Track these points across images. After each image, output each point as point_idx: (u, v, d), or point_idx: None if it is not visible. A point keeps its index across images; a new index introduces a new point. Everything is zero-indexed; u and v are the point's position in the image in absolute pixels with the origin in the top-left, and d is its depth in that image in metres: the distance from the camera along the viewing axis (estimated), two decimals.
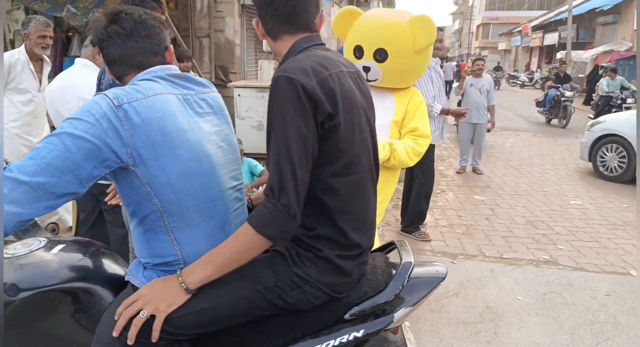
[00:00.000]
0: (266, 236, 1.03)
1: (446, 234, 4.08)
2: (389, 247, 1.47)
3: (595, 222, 4.45)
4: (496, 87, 23.05)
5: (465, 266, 3.39)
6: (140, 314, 1.03)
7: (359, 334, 1.19)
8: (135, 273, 1.19)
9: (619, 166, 6.00)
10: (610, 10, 18.66)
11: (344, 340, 1.18)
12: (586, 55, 18.82)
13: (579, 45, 21.51)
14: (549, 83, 11.95)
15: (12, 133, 3.18)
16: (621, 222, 4.44)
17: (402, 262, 1.28)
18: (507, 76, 29.81)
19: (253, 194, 3.83)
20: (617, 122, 6.20)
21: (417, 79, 2.52)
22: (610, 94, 10.75)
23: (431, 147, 3.76)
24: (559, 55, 22.20)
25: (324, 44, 1.27)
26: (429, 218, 4.48)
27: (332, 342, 1.18)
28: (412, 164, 2.36)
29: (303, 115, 1.04)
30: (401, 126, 2.41)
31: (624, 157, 5.95)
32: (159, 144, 1.09)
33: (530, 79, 26.13)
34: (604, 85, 11.26)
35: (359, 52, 2.29)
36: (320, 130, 1.08)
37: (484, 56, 11.69)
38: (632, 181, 5.91)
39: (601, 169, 6.23)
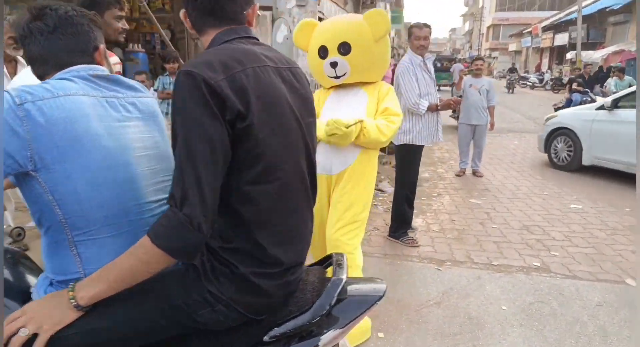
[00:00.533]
0: (165, 249, 0.92)
1: (436, 239, 3.94)
2: (327, 260, 1.35)
3: (594, 227, 4.27)
4: (510, 91, 22.66)
5: (451, 273, 3.25)
6: (20, 333, 0.93)
7: None
8: (39, 288, 1.10)
9: (568, 156, 6.56)
10: (621, 9, 18.29)
11: None
12: (596, 55, 18.46)
13: (589, 46, 21.13)
14: (574, 86, 10.36)
15: None
16: (621, 227, 4.26)
17: (332, 279, 1.16)
18: (517, 77, 29.45)
19: None
20: (566, 116, 6.76)
21: (383, 71, 2.46)
22: None
23: (417, 149, 3.64)
24: (569, 55, 21.83)
25: (255, 38, 1.17)
26: (420, 222, 4.35)
27: None
28: (384, 141, 2.29)
29: (208, 114, 0.93)
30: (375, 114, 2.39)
31: (571, 147, 6.51)
32: (64, 148, 0.99)
33: (541, 80, 25.74)
34: (611, 85, 10.98)
35: (323, 52, 2.34)
36: (232, 131, 0.97)
37: (494, 57, 11.41)
38: (581, 170, 6.40)
39: (555, 159, 6.80)
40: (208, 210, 0.93)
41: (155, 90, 4.77)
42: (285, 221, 1.09)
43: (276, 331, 1.08)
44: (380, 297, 1.22)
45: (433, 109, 3.57)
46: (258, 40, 1.18)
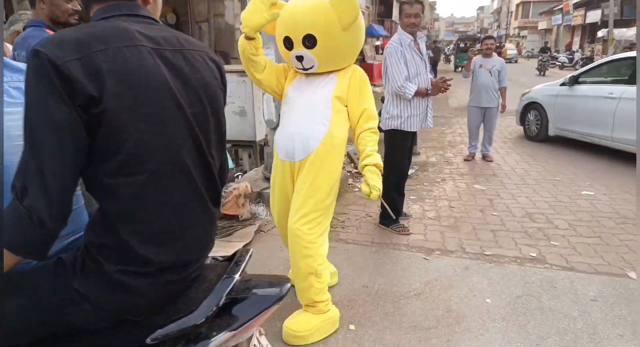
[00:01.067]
0: (4, 245, 0.84)
1: (430, 226, 3.78)
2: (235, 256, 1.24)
3: (603, 216, 4.02)
4: (541, 74, 21.58)
5: (438, 263, 3.11)
6: None
7: None
8: None
9: (536, 128, 7.28)
10: None
11: None
12: (629, 33, 17.44)
13: (623, 23, 19.98)
14: None
15: None
16: (633, 216, 3.99)
17: (223, 277, 1.06)
18: (548, 58, 28.23)
19: (223, 203, 3.61)
20: (536, 91, 7.41)
21: (354, 57, 2.31)
22: None
23: (405, 134, 3.46)
24: (600, 33, 20.73)
25: (145, 16, 1.03)
26: (417, 209, 4.20)
27: None
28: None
29: (54, 98, 0.83)
30: (347, 103, 2.26)
31: (539, 120, 7.19)
32: None
33: (570, 60, 24.58)
34: None
35: (288, 43, 2.19)
36: (86, 117, 0.86)
37: (522, 36, 10.85)
38: (548, 141, 7.08)
39: (527, 132, 7.52)
40: (53, 203, 0.83)
41: None
42: (158, 217, 0.98)
43: (158, 333, 0.99)
44: (279, 298, 1.11)
45: (423, 93, 3.37)
46: (151, 18, 1.05)
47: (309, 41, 2.12)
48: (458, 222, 3.89)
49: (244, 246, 3.25)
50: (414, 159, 6.19)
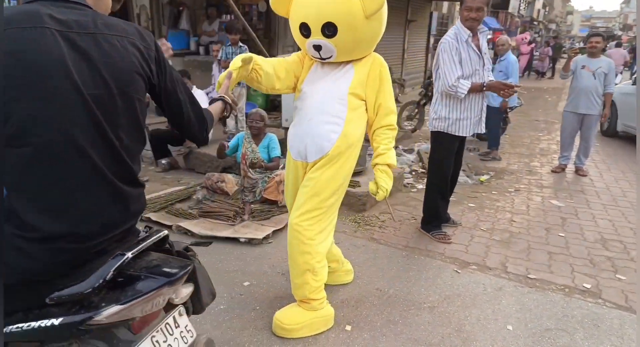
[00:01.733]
0: None
1: (477, 238, 3.49)
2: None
3: None
4: None
5: (469, 278, 2.87)
6: None
7: (56, 322, 1.06)
8: None
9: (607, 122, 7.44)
10: None
11: (42, 325, 1.07)
12: None
13: None
14: None
15: None
16: None
17: (116, 254, 1.11)
18: None
19: (265, 187, 3.71)
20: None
21: (374, 46, 2.16)
22: None
23: (452, 138, 3.20)
24: None
25: (70, 1, 1.11)
26: (471, 217, 3.90)
27: (32, 324, 1.08)
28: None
29: None
30: (365, 97, 2.16)
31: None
32: None
33: None
34: None
35: (305, 30, 2.06)
36: None
37: None
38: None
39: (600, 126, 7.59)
40: None
41: (219, 60, 4.98)
42: (46, 189, 1.05)
43: (55, 295, 1.07)
44: (169, 282, 1.13)
45: (477, 88, 3.08)
46: (79, 3, 1.12)
47: (329, 30, 1.98)
48: (513, 238, 3.53)
49: (273, 231, 3.32)
50: (491, 164, 5.76)
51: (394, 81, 9.64)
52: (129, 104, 1.15)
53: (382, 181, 2.13)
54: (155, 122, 5.02)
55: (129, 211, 1.21)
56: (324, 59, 2.14)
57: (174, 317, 1.30)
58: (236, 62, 1.89)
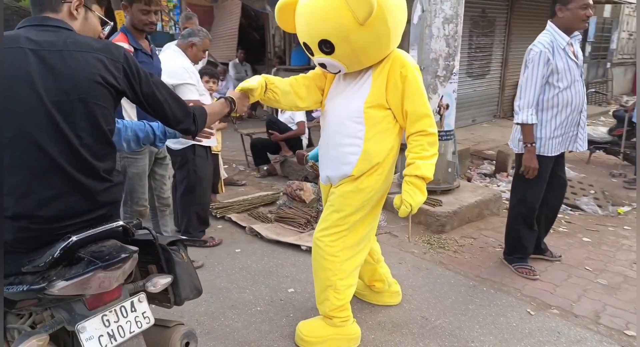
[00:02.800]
0: None
1: (574, 279, 2.91)
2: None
3: None
4: None
5: (542, 323, 2.40)
6: None
7: (24, 288, 1.25)
8: None
9: None
10: None
11: (17, 289, 1.27)
12: None
13: None
14: None
15: None
16: None
17: (65, 237, 1.25)
18: None
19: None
20: None
21: (387, 46, 1.93)
22: None
23: (543, 160, 2.73)
24: None
25: (48, 25, 1.33)
26: (578, 254, 3.29)
27: (11, 288, 1.29)
28: (437, 156, 2.03)
29: None
30: (390, 105, 2.00)
31: None
32: None
33: None
34: None
35: (307, 49, 2.02)
36: None
37: None
38: None
39: None
40: None
41: None
42: (11, 176, 1.25)
43: (27, 267, 1.27)
44: (103, 266, 1.23)
45: (527, 138, 2.65)
46: (57, 26, 1.33)
47: (326, 46, 1.88)
48: (625, 283, 2.86)
49: None
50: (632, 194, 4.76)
51: None
52: (87, 108, 1.31)
53: (406, 195, 1.94)
54: (258, 131, 5.42)
55: (93, 201, 1.37)
56: (336, 73, 2.06)
57: (132, 302, 1.39)
58: (248, 83, 1.96)
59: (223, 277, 2.90)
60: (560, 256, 3.18)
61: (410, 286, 2.77)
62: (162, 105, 1.47)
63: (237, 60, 8.81)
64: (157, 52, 2.74)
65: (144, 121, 1.87)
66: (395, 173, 2.32)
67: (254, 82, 1.98)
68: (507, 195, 4.49)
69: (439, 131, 3.64)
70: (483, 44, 8.01)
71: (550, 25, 2.68)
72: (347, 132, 2.02)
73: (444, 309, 2.55)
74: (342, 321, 2.18)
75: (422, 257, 3.18)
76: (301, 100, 2.13)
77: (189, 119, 1.55)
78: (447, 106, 3.71)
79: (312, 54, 2.00)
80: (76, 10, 1.38)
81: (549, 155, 2.74)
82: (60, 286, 1.21)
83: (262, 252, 3.25)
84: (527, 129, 2.65)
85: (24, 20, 1.35)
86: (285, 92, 2.07)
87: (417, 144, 1.96)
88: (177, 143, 3.09)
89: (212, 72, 3.65)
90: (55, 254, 1.23)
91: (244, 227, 3.59)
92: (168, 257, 1.53)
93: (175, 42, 3.28)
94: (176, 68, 2.98)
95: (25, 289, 1.25)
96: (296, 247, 3.28)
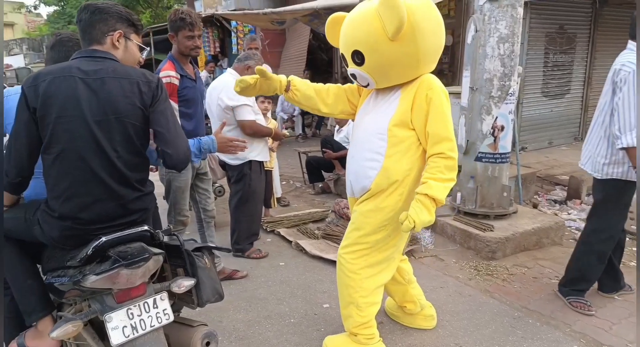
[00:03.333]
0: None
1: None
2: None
3: None
4: None
5: None
6: None
7: (66, 280, 1.48)
8: None
9: None
10: None
11: (60, 281, 1.50)
12: None
13: None
14: None
15: None
16: None
17: (101, 237, 1.46)
18: None
19: None
20: None
21: (417, 68, 1.95)
22: None
23: (628, 186, 2.53)
24: None
25: (95, 57, 1.57)
26: None
27: (55, 281, 1.52)
28: (455, 178, 1.98)
29: (21, 105, 1.50)
30: (414, 126, 2.02)
31: None
32: None
33: None
34: None
35: (344, 60, 2.11)
36: (34, 118, 1.48)
37: None
38: None
39: None
40: (11, 164, 1.50)
41: None
42: (59, 183, 1.49)
43: (70, 262, 1.48)
44: (125, 264, 1.40)
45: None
46: (102, 57, 1.57)
47: (358, 57, 1.95)
48: None
49: None
50: None
51: None
52: (122, 126, 1.53)
53: (412, 212, 1.87)
54: (314, 150, 5.57)
55: (125, 208, 1.57)
56: (366, 86, 2.11)
57: (154, 299, 1.55)
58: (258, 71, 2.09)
59: (264, 288, 3.02)
60: (631, 289, 2.89)
61: (449, 312, 2.68)
62: (165, 129, 1.64)
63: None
64: (200, 74, 2.92)
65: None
66: None
67: (250, 78, 2.11)
68: (577, 224, 4.23)
69: (492, 153, 3.60)
70: (561, 61, 7.55)
71: (632, 44, 2.51)
72: (370, 147, 2.07)
73: (481, 338, 2.44)
74: (367, 339, 2.18)
75: (466, 283, 3.06)
76: (325, 106, 2.23)
77: (179, 155, 1.68)
78: (502, 128, 3.58)
79: (347, 65, 2.08)
80: (117, 41, 1.62)
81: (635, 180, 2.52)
82: (91, 280, 1.40)
83: (305, 267, 3.34)
84: (632, 152, 2.40)
85: (76, 53, 1.61)
86: (306, 96, 2.19)
87: (434, 166, 1.93)
88: (235, 159, 3.32)
89: None
90: (89, 252, 1.43)
91: (290, 242, 3.71)
92: (192, 262, 1.66)
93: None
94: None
95: (66, 281, 1.46)
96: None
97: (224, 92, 3.18)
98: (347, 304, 2.16)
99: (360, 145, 2.13)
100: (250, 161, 3.35)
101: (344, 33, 2.02)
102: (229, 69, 3.52)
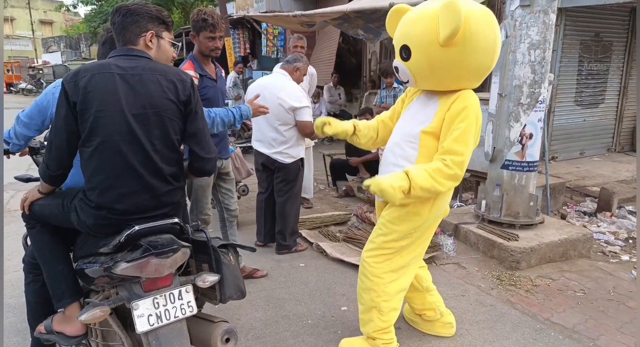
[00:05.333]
0: (40, 179, 1.69)
1: None
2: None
3: None
4: None
5: None
6: (23, 197, 1.81)
7: (97, 267, 1.54)
8: None
9: None
10: None
11: (92, 267, 1.58)
12: None
13: None
14: None
15: None
16: None
17: (129, 225, 1.52)
18: None
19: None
20: None
21: (460, 79, 1.95)
22: None
23: None
24: None
25: (131, 55, 1.64)
26: None
27: (86, 267, 1.59)
28: (444, 190, 1.96)
29: (61, 100, 1.56)
30: (440, 139, 2.01)
31: None
32: None
33: None
34: None
35: (393, 52, 2.15)
36: (74, 112, 1.54)
37: None
38: None
39: None
40: (52, 157, 1.58)
41: (374, 105, 5.00)
42: (96, 174, 1.54)
43: (103, 249, 1.54)
44: (155, 253, 1.46)
45: None
46: (138, 55, 1.63)
47: (405, 52, 1.98)
48: None
49: None
50: None
51: None
52: (160, 120, 1.59)
53: (384, 176, 1.88)
54: (338, 152, 5.58)
55: (158, 200, 1.62)
56: (405, 83, 2.12)
57: (180, 291, 1.59)
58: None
59: (283, 289, 3.05)
60: None
61: (468, 320, 2.65)
62: (199, 130, 1.74)
63: (331, 84, 9.17)
64: (222, 74, 2.93)
65: (227, 108, 2.36)
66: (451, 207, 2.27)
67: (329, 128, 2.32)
68: (606, 237, 4.10)
69: (520, 162, 3.54)
70: (596, 70, 7.34)
71: None
72: (401, 153, 2.08)
73: None
74: (385, 344, 2.18)
75: (488, 292, 3.01)
76: (382, 141, 2.35)
77: (211, 155, 1.80)
78: (531, 136, 3.51)
79: (395, 58, 2.11)
80: (150, 41, 1.69)
81: None
82: (122, 267, 1.46)
83: (325, 269, 3.35)
84: None
85: (113, 52, 1.68)
86: (366, 137, 2.36)
87: (434, 164, 1.91)
88: (289, 157, 3.41)
89: None
90: (122, 239, 1.49)
91: (312, 243, 3.73)
92: (217, 258, 1.70)
93: (280, 64, 3.60)
94: (298, 91, 3.34)
95: (97, 267, 1.52)
96: (357, 267, 3.31)
97: (285, 92, 3.28)
98: (368, 308, 2.17)
99: (391, 151, 2.15)
100: (301, 158, 3.50)
101: (400, 25, 2.04)
102: (277, 68, 3.57)
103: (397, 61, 2.07)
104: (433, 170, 1.89)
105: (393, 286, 2.14)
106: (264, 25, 10.55)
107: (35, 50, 34.43)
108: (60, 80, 1.69)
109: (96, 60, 2.09)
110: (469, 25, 1.81)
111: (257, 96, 2.70)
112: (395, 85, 4.97)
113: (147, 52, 1.68)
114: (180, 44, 1.89)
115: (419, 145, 2.03)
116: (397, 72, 2.11)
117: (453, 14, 1.76)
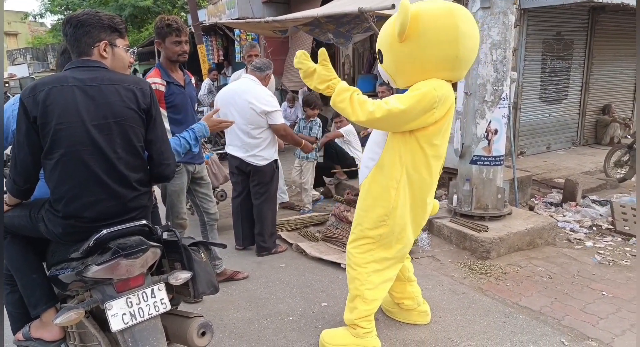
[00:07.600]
0: (8, 193, 1.72)
1: (624, 313, 2.70)
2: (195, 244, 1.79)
3: None
4: None
5: None
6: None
7: (70, 272, 1.60)
8: None
9: None
10: None
11: (64, 272, 1.62)
12: None
13: None
14: None
15: None
16: None
17: (101, 230, 1.57)
18: None
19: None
20: None
21: (422, 74, 2.03)
22: None
23: None
24: None
25: (87, 66, 1.67)
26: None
27: (59, 273, 1.64)
28: (353, 119, 2.06)
29: (21, 116, 1.59)
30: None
31: None
32: None
33: None
34: None
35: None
36: (35, 126, 1.57)
37: None
38: None
39: None
40: (18, 173, 1.61)
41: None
42: (61, 185, 1.59)
43: (73, 254, 1.59)
44: (124, 255, 1.50)
45: None
46: (94, 66, 1.66)
47: (380, 56, 2.16)
48: None
49: None
50: None
51: (614, 120, 7.96)
52: (122, 128, 1.64)
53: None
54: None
55: (125, 206, 1.68)
56: (387, 84, 2.29)
57: (152, 289, 1.65)
58: None
59: (264, 289, 3.12)
60: None
61: (442, 308, 2.78)
62: (158, 137, 1.80)
63: (306, 88, 9.27)
64: (191, 80, 2.92)
65: (177, 135, 2.23)
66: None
67: (312, 64, 2.22)
68: (571, 226, 4.32)
69: (487, 156, 3.70)
70: (559, 67, 7.66)
71: None
72: (376, 136, 2.23)
73: (472, 332, 2.53)
74: (365, 333, 2.28)
75: (460, 281, 3.16)
76: None
77: (169, 161, 1.85)
78: (496, 131, 3.69)
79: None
80: (105, 50, 1.70)
81: None
82: (93, 270, 1.51)
83: (305, 268, 3.44)
84: None
85: (68, 64, 1.70)
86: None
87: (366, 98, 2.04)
88: (263, 159, 3.49)
89: None
90: (90, 244, 1.54)
91: (291, 244, 3.82)
92: (188, 256, 1.76)
93: (242, 70, 3.68)
94: (268, 96, 3.45)
95: (70, 272, 1.58)
96: (337, 265, 3.42)
97: (255, 97, 3.36)
98: (353, 296, 2.28)
99: (372, 135, 2.29)
100: (275, 160, 3.58)
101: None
102: (246, 74, 3.64)
103: (379, 65, 2.23)
104: (360, 99, 2.02)
105: (377, 275, 2.25)
106: (236, 31, 10.59)
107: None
108: (18, 96, 1.70)
109: (56, 70, 2.10)
110: (422, 20, 1.94)
111: (216, 111, 2.60)
112: (313, 118, 4.90)
113: (103, 62, 1.70)
114: (135, 49, 1.95)
115: (386, 142, 2.15)
116: (381, 75, 2.26)
117: (400, 11, 1.93)
